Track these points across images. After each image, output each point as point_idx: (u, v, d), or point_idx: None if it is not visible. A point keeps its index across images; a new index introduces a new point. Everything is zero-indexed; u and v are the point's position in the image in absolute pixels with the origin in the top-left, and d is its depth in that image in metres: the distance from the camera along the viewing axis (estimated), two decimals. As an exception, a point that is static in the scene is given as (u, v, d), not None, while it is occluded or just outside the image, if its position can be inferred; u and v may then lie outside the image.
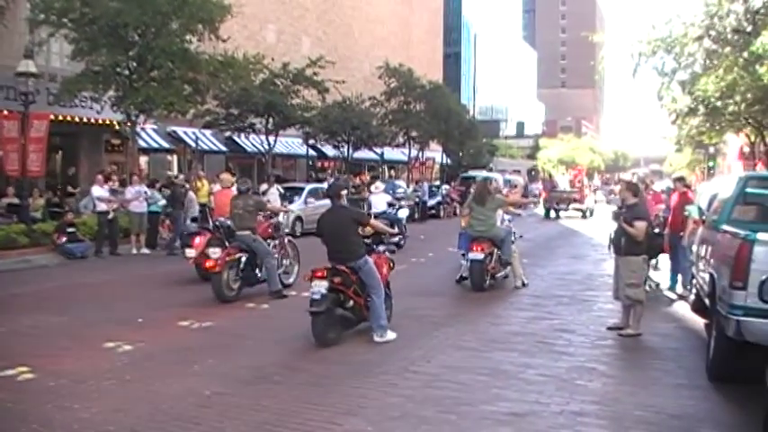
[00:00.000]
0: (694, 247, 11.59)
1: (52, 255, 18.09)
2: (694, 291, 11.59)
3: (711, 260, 8.83)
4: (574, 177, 44.81)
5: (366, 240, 10.37)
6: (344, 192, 10.46)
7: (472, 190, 14.70)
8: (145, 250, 19.75)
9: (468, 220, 13.90)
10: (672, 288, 13.76)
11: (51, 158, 25.22)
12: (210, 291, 12.14)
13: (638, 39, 22.01)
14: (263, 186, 23.78)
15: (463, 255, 14.21)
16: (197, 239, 14.40)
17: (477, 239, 13.35)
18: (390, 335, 9.50)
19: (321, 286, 9.09)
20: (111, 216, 18.99)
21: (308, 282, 9.31)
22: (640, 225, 9.87)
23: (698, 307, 11.13)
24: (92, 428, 6.17)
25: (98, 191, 19.32)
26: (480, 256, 13.16)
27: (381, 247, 10.72)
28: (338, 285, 9.33)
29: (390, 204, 21.98)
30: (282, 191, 24.49)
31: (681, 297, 13.08)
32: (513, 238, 14.40)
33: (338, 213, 9.81)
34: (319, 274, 9.19)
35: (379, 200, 21.93)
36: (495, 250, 13.65)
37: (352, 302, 9.59)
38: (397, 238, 11.28)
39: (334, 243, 9.59)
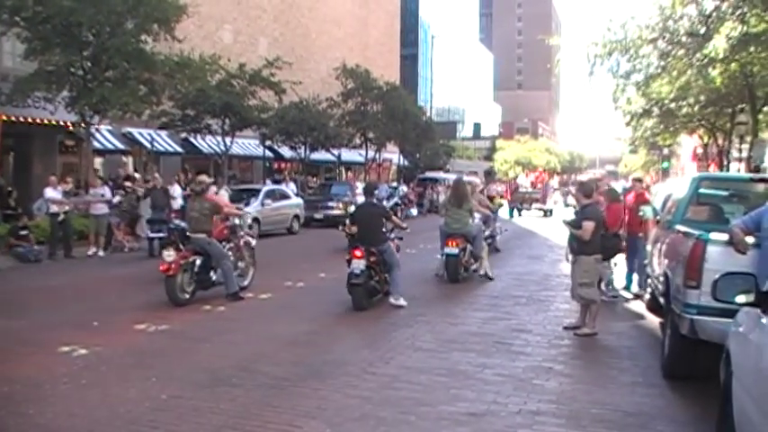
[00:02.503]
0: (649, 247, 11.77)
1: (4, 258, 17.79)
2: (649, 290, 11.76)
3: (666, 259, 8.96)
4: (536, 179, 45.43)
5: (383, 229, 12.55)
6: (376, 191, 13.76)
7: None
8: (101, 253, 19.48)
9: (445, 219, 15.07)
10: (627, 287, 13.92)
11: (4, 160, 24.80)
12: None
13: (593, 41, 22.13)
14: (213, 189, 23.47)
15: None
16: None
17: (452, 235, 14.56)
18: (402, 301, 11.83)
19: (360, 263, 11.38)
20: (61, 218, 18.65)
21: (347, 261, 11.59)
22: (586, 225, 9.98)
23: (653, 306, 11.30)
24: (47, 434, 6.08)
25: (50, 192, 19.01)
26: (455, 250, 14.43)
27: (392, 235, 13.10)
28: (372, 264, 11.77)
29: None
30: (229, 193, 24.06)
31: (636, 296, 13.23)
32: (499, 231, 17.38)
33: (371, 208, 12.54)
34: (359, 254, 11.45)
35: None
36: (468, 245, 14.98)
37: (378, 277, 12.05)
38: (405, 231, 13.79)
39: (366, 231, 12.12)
